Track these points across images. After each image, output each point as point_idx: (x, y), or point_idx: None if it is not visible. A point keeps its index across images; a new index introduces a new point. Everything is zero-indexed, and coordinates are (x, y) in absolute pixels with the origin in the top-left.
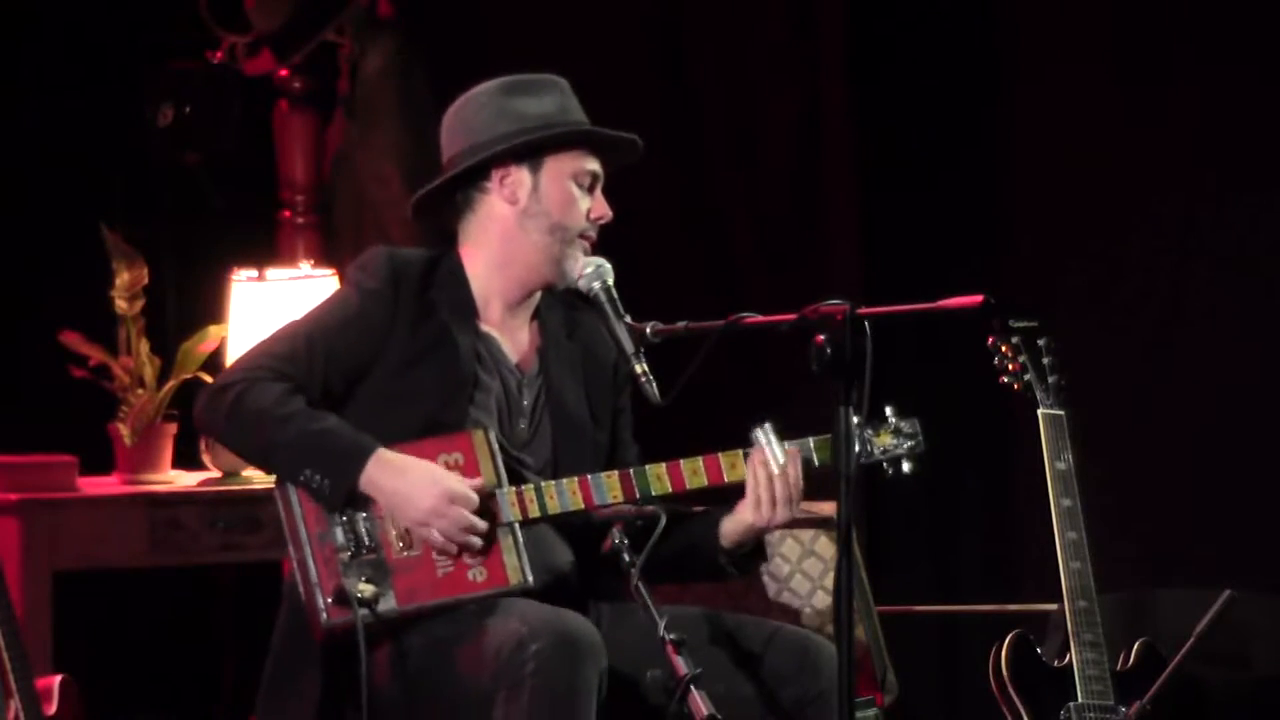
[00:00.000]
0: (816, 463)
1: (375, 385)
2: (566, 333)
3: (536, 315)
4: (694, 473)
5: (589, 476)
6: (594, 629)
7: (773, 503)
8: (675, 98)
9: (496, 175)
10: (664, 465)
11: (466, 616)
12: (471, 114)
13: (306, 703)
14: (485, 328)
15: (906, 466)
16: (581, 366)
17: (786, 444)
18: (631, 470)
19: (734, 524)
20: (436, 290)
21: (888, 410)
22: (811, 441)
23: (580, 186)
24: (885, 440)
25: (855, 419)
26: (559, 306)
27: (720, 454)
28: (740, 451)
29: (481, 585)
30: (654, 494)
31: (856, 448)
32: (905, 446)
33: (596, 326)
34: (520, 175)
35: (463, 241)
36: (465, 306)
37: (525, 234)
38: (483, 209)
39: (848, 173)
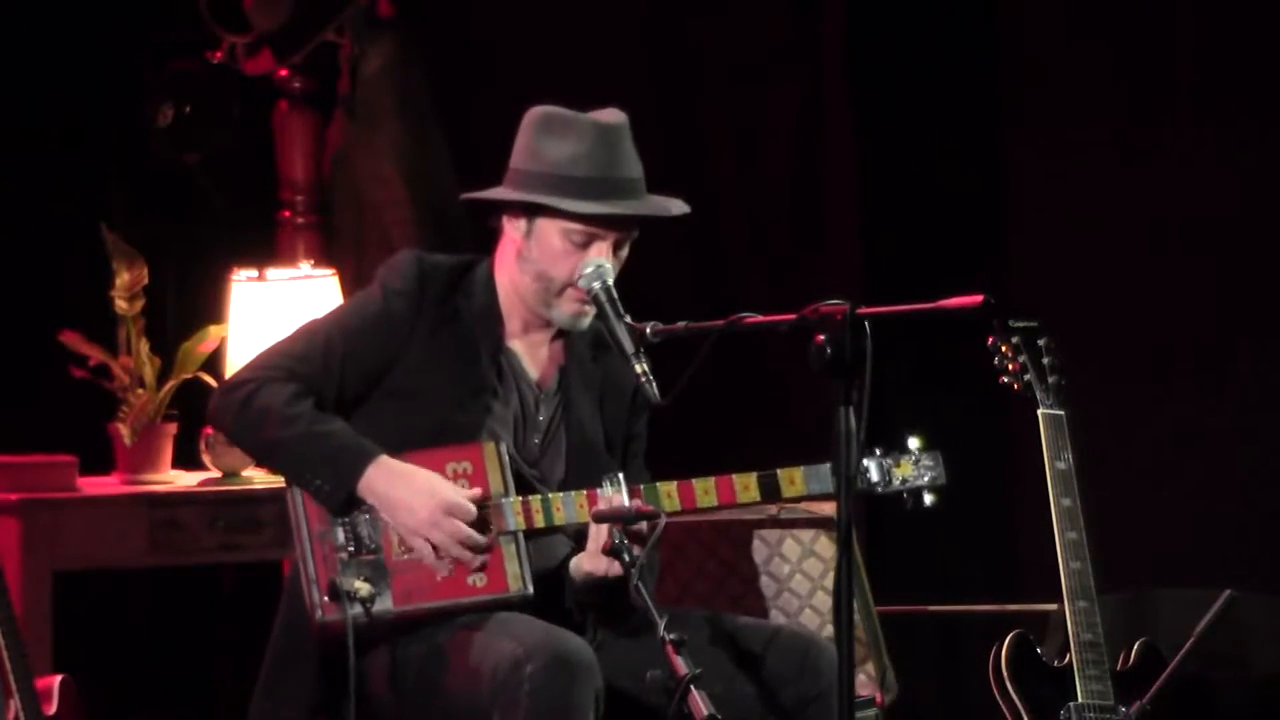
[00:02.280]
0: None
1: (392, 384)
2: (591, 356)
3: (562, 335)
4: (705, 492)
5: (598, 490)
6: (589, 649)
7: (600, 555)
8: (675, 98)
9: (506, 212)
10: (674, 483)
11: (464, 630)
12: (519, 135)
13: (300, 702)
14: (508, 341)
15: (928, 499)
16: (601, 389)
17: (637, 501)
18: (642, 486)
19: (576, 568)
20: (463, 297)
21: (911, 441)
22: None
23: (572, 243)
24: (906, 471)
25: (856, 423)
26: (589, 330)
27: (734, 475)
28: (754, 474)
29: (480, 591)
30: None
31: (875, 476)
32: (926, 478)
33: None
34: (519, 221)
35: (496, 251)
36: (491, 316)
37: (522, 272)
38: (505, 232)
39: (848, 173)
